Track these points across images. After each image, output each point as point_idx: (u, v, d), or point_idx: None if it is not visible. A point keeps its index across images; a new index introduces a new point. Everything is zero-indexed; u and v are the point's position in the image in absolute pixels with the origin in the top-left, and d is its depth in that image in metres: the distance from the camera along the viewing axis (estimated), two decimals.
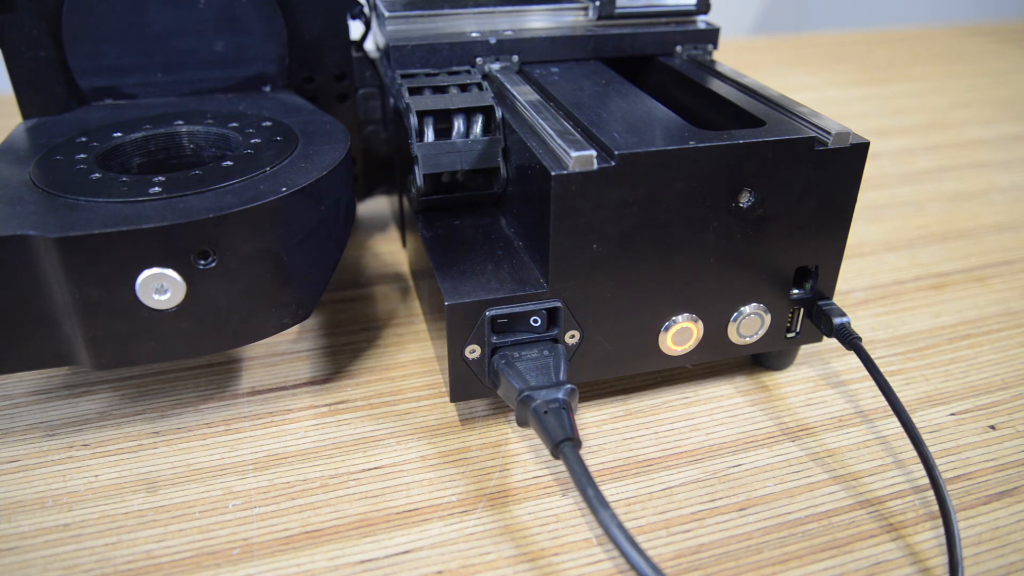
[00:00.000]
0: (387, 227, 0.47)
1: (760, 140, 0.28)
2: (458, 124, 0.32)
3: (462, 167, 0.32)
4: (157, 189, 0.28)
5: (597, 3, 0.38)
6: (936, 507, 0.28)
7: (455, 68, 0.36)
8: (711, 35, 0.39)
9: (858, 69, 0.81)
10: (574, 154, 0.26)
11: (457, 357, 0.29)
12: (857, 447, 0.30)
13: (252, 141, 0.32)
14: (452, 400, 0.30)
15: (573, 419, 0.27)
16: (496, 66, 0.36)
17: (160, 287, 0.26)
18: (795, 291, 0.32)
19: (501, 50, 0.37)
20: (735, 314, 0.31)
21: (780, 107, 0.32)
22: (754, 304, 0.31)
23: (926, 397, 0.33)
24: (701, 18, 0.40)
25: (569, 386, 0.28)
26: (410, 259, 0.40)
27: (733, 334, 0.31)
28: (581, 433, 0.30)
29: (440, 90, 0.34)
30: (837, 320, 0.31)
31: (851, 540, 0.26)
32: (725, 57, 0.46)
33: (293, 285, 0.29)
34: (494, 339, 0.29)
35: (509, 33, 0.37)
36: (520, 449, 0.30)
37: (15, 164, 0.30)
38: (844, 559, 0.26)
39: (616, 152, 0.26)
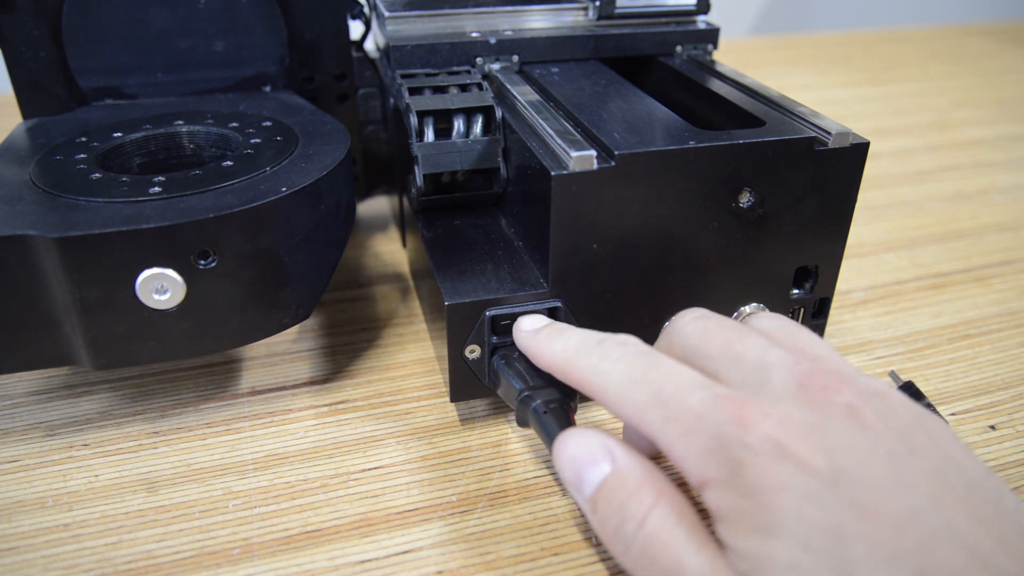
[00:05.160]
0: (387, 227, 0.47)
1: (760, 140, 0.28)
2: (458, 124, 0.32)
3: (462, 167, 0.32)
4: (157, 189, 0.28)
5: (597, 3, 0.38)
6: None
7: (455, 68, 0.36)
8: (711, 35, 0.39)
9: (858, 69, 0.81)
10: (574, 154, 0.26)
11: (457, 357, 0.29)
12: None
13: (252, 141, 0.32)
14: (452, 400, 0.30)
15: (573, 419, 0.27)
16: (496, 66, 0.36)
17: (160, 287, 0.26)
18: (795, 291, 0.32)
19: (501, 50, 0.37)
20: (735, 314, 0.31)
21: (780, 107, 0.32)
22: (754, 304, 0.31)
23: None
24: (701, 18, 0.40)
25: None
26: (410, 259, 0.40)
27: None
28: None
29: (440, 90, 0.34)
30: None
31: None
32: (725, 57, 0.46)
33: (293, 285, 0.29)
34: (494, 339, 0.29)
35: (509, 33, 0.37)
36: (520, 449, 0.30)
37: (15, 164, 0.30)
38: None
39: (616, 152, 0.26)
